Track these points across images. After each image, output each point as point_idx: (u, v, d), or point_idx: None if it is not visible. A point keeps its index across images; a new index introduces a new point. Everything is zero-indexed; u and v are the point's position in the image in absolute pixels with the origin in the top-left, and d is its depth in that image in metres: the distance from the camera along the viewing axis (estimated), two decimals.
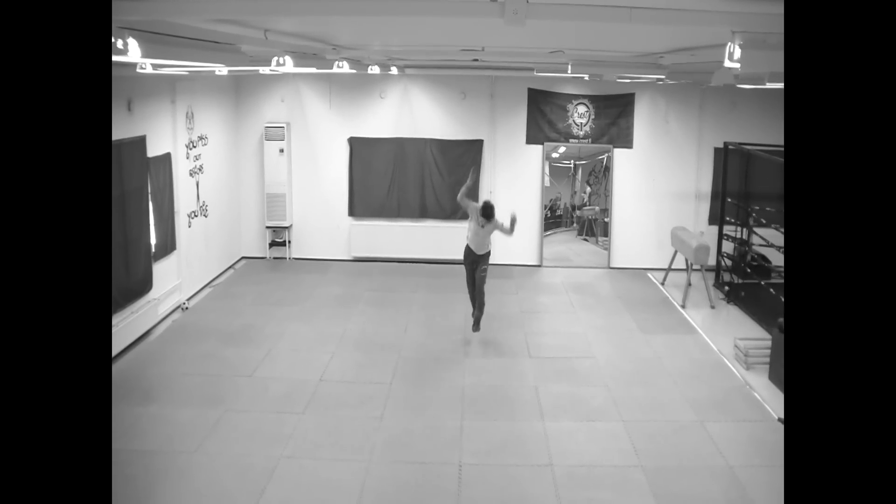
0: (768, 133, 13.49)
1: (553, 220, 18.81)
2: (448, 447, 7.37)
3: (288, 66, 7.92)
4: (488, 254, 10.26)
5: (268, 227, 14.56)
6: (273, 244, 14.69)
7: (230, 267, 14.00)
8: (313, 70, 9.94)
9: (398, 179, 14.57)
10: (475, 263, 10.19)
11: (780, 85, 10.63)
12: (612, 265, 14.78)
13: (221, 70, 9.45)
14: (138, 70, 7.82)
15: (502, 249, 14.65)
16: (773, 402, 8.61)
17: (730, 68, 4.52)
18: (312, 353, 9.81)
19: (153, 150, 10.56)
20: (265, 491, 6.51)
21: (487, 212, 9.92)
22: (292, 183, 14.55)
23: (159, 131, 10.88)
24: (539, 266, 14.75)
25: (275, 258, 14.70)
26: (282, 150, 14.27)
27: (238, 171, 14.42)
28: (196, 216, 12.20)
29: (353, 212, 14.68)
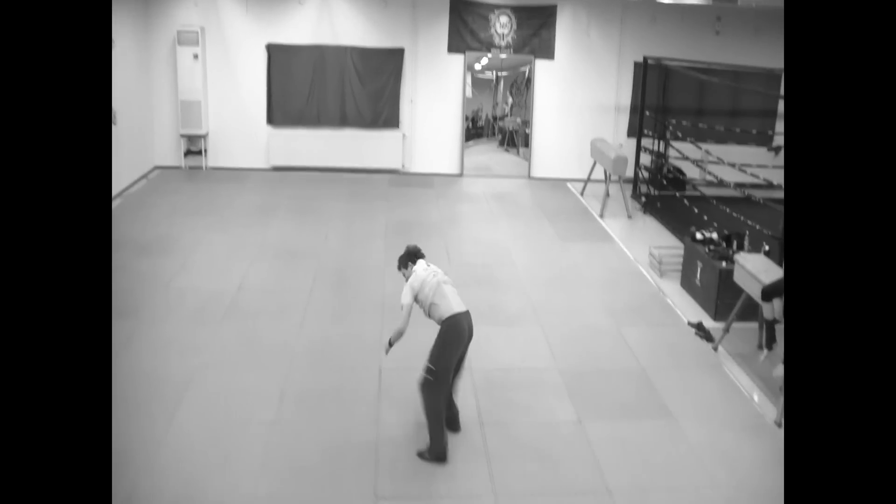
0: (686, 48, 13.64)
1: (475, 130, 18.79)
2: (368, 353, 7.40)
3: None
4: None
5: (182, 136, 14.10)
6: (188, 153, 14.25)
7: (143, 177, 13.53)
8: None
9: (318, 87, 14.22)
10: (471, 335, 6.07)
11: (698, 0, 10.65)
12: (532, 175, 14.86)
13: None
14: None
15: (423, 159, 14.60)
16: (684, 307, 8.90)
17: None
18: (230, 263, 9.65)
19: None
20: (182, 401, 6.45)
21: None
22: (208, 90, 14.04)
23: None
24: (460, 175, 14.73)
25: (190, 167, 14.28)
26: (196, 56, 13.72)
27: (149, 78, 13.83)
28: None
29: (271, 120, 14.32)
